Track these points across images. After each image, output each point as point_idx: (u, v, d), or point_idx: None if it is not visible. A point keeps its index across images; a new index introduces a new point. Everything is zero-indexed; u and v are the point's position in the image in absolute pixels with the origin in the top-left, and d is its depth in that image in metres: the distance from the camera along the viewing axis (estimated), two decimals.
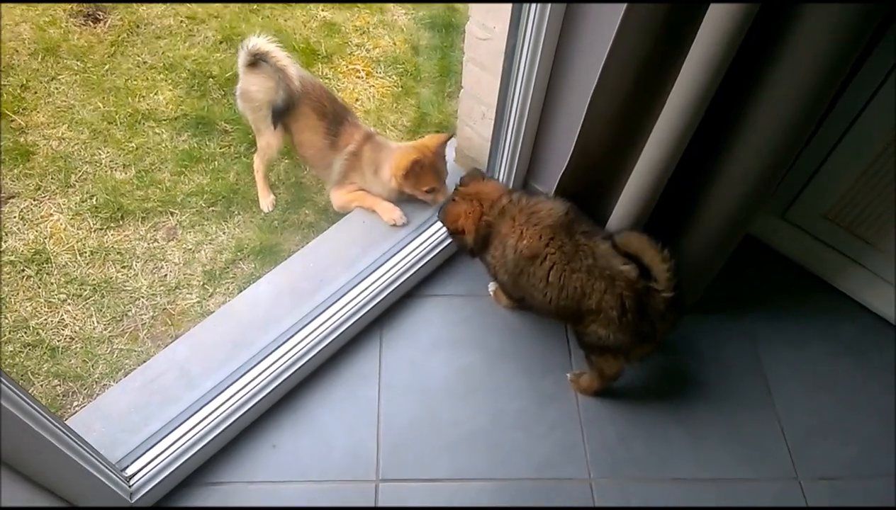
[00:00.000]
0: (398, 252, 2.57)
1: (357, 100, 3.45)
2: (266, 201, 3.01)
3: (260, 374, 2.26)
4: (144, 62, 3.52)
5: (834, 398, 2.44)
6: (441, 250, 2.58)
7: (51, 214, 2.92)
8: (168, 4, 3.76)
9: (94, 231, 2.88)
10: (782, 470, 2.28)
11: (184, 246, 2.87)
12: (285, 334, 2.35)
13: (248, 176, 3.06)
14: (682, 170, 2.02)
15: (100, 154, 3.13)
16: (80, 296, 2.71)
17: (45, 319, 2.64)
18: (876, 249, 2.49)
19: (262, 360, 2.29)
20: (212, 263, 2.83)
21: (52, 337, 2.60)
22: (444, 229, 2.41)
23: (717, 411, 2.39)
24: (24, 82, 3.37)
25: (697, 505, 2.20)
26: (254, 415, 2.27)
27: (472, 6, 2.30)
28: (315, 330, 2.36)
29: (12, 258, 2.77)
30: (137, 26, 3.66)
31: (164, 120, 3.28)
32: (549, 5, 2.03)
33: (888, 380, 2.47)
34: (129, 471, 2.04)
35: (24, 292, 2.70)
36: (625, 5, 1.75)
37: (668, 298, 1.99)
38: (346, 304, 2.42)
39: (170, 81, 3.44)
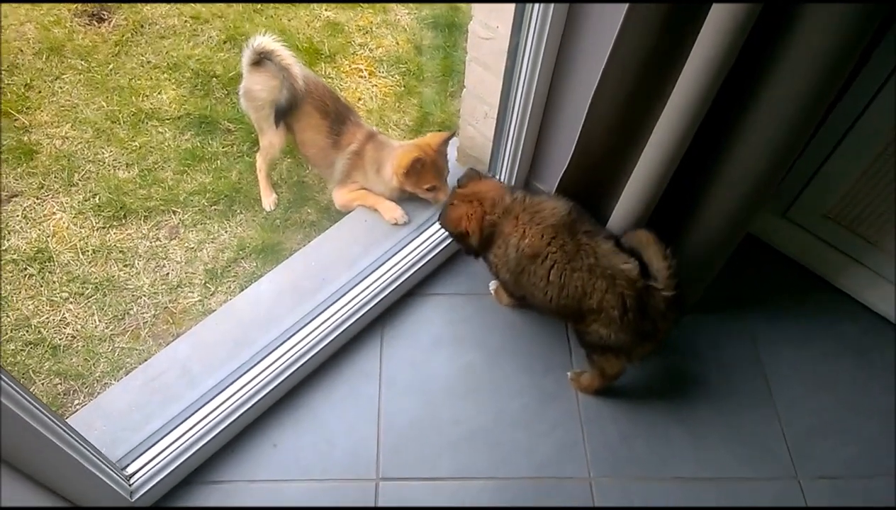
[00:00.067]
0: (400, 251, 2.57)
1: (360, 99, 3.46)
2: (268, 200, 3.01)
3: (261, 373, 2.26)
4: (148, 62, 3.53)
5: (834, 397, 2.43)
6: (442, 249, 2.59)
7: (54, 213, 2.93)
8: (172, 4, 3.77)
9: (97, 229, 2.89)
10: (782, 469, 2.28)
11: (186, 244, 2.88)
12: (287, 333, 2.35)
13: (251, 175, 3.07)
14: (682, 170, 2.02)
15: (103, 153, 3.14)
16: (82, 294, 2.72)
17: (47, 318, 2.65)
18: (877, 248, 2.49)
19: (263, 359, 2.29)
20: (214, 262, 2.84)
21: (54, 335, 2.61)
22: (447, 233, 2.41)
23: (718, 410, 2.39)
24: (29, 81, 3.38)
25: (698, 504, 2.20)
26: (255, 414, 2.27)
27: (475, 6, 2.30)
28: (316, 328, 2.36)
29: (15, 256, 2.78)
30: (142, 26, 3.67)
31: (168, 119, 3.28)
32: (552, 5, 2.03)
33: (889, 380, 2.47)
34: (130, 470, 2.05)
35: (26, 290, 2.71)
36: (626, 5, 1.75)
37: (668, 297, 1.99)
38: (348, 303, 2.42)
39: (173, 81, 3.45)
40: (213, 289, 2.76)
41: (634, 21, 1.78)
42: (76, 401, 2.46)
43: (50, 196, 2.98)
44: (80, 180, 3.04)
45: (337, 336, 2.38)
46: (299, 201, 3.06)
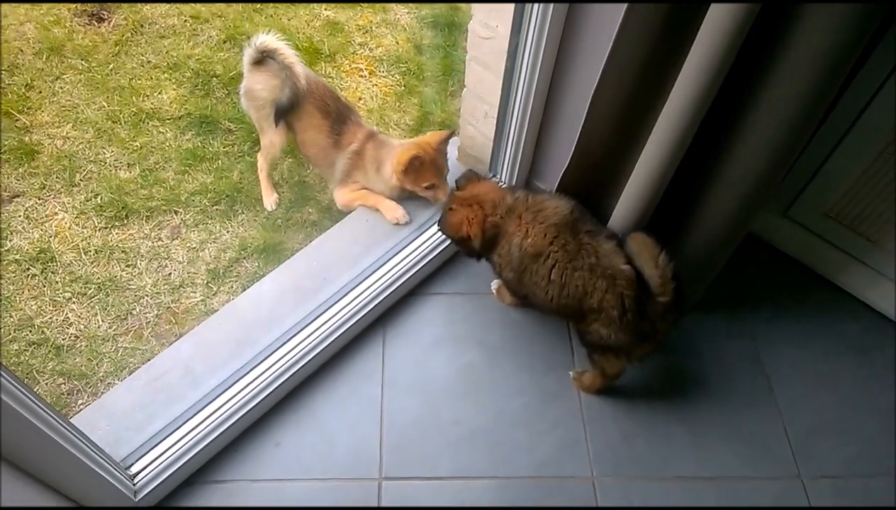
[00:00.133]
0: (401, 250, 2.57)
1: (360, 99, 3.46)
2: (269, 200, 3.02)
3: (263, 373, 2.26)
4: (148, 61, 3.53)
5: (835, 396, 2.44)
6: (444, 248, 2.59)
7: (55, 213, 2.93)
8: (172, 4, 3.77)
9: (99, 230, 2.90)
10: (784, 468, 2.29)
11: (188, 244, 2.89)
12: (289, 332, 2.36)
13: (252, 174, 3.07)
14: (683, 169, 2.02)
15: (104, 153, 3.15)
16: (85, 294, 2.72)
17: (50, 318, 2.66)
18: (878, 247, 2.49)
19: (265, 359, 2.30)
20: (216, 262, 2.84)
21: (57, 335, 2.61)
22: (447, 238, 2.41)
23: (719, 410, 2.40)
24: (29, 81, 3.38)
25: (699, 503, 2.21)
26: (257, 414, 2.27)
27: (475, 5, 2.30)
28: (318, 328, 2.37)
29: (17, 257, 2.79)
30: (142, 26, 3.67)
31: (168, 119, 3.29)
32: (552, 5, 2.03)
33: (889, 379, 2.47)
34: (134, 470, 2.05)
35: (28, 291, 2.72)
36: (626, 5, 1.75)
37: (664, 303, 2.00)
38: (350, 303, 2.43)
39: (174, 81, 3.45)
40: (215, 289, 2.77)
41: (634, 21, 1.79)
42: (80, 401, 2.47)
43: (52, 196, 2.98)
44: (81, 180, 3.04)
45: (339, 335, 2.38)
46: (301, 201, 3.06)
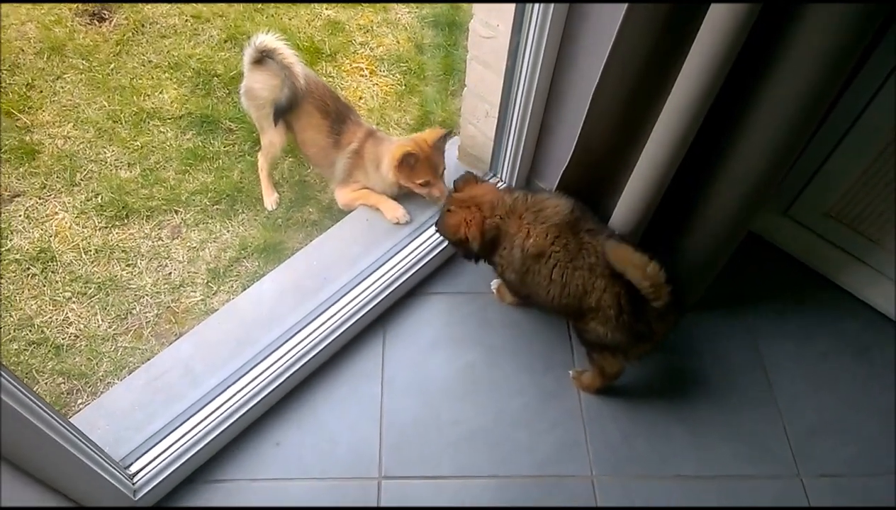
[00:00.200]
0: (401, 250, 2.57)
1: (361, 98, 3.46)
2: (270, 199, 3.02)
3: (263, 372, 2.26)
4: (149, 61, 3.54)
5: (835, 395, 2.44)
6: (444, 248, 2.59)
7: (56, 213, 2.93)
8: (173, 4, 3.77)
9: (99, 229, 2.90)
10: (784, 467, 2.28)
11: (188, 244, 2.89)
12: (289, 332, 2.36)
13: (253, 174, 3.07)
14: (683, 168, 2.02)
15: (105, 153, 3.15)
16: (85, 294, 2.72)
17: (50, 317, 2.66)
18: (878, 246, 2.49)
19: (265, 358, 2.30)
20: (216, 261, 2.84)
21: (57, 335, 2.61)
22: (446, 241, 2.41)
23: (719, 409, 2.40)
24: (30, 81, 3.39)
25: (699, 503, 2.21)
26: (257, 413, 2.27)
27: (476, 4, 2.30)
28: (318, 328, 2.37)
29: (17, 256, 2.79)
30: (143, 25, 3.68)
31: (169, 118, 3.29)
32: (553, 4, 2.03)
33: (889, 378, 2.47)
34: (133, 469, 2.05)
35: (29, 290, 2.72)
36: (626, 5, 1.75)
37: (659, 307, 1.99)
38: (350, 302, 2.43)
39: (174, 80, 3.45)
40: (215, 289, 2.77)
41: (634, 20, 1.79)
42: (79, 401, 2.47)
43: (52, 196, 2.99)
44: (82, 180, 3.05)
45: (339, 335, 2.38)
46: (301, 200, 3.06)
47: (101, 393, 2.44)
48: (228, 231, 2.93)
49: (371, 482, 2.20)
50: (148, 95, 3.38)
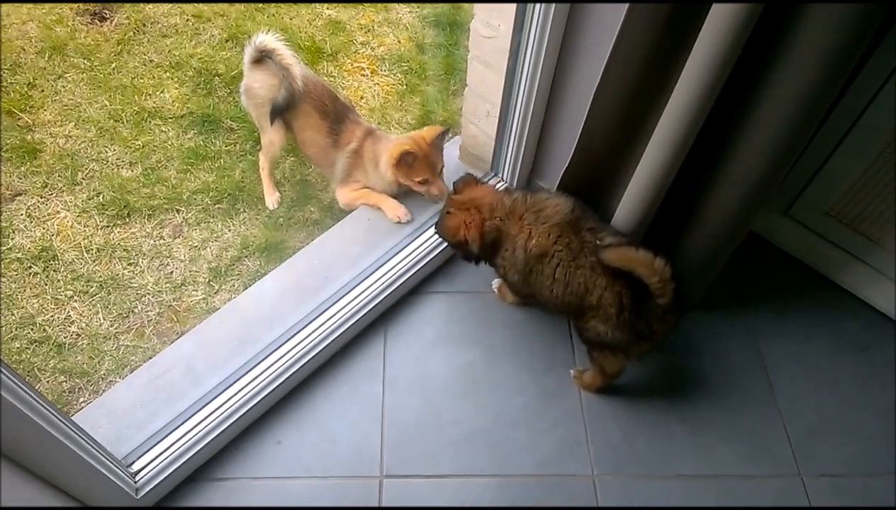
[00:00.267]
0: (402, 249, 2.58)
1: (362, 98, 3.46)
2: (271, 198, 3.02)
3: (265, 371, 2.27)
4: (151, 60, 3.54)
5: (836, 395, 2.44)
6: (445, 247, 2.59)
7: (58, 212, 2.94)
8: (174, 3, 3.77)
9: (101, 228, 2.90)
10: (784, 467, 2.29)
11: (190, 243, 2.89)
12: (290, 331, 2.36)
13: (254, 173, 3.07)
14: (684, 168, 2.02)
15: (106, 152, 3.15)
16: (87, 292, 2.72)
17: (52, 316, 2.66)
18: (878, 246, 2.49)
19: (267, 357, 2.30)
20: (217, 260, 2.85)
21: (59, 333, 2.61)
22: (445, 243, 2.42)
23: (720, 408, 2.40)
24: (32, 80, 3.39)
25: (700, 502, 2.21)
26: (259, 412, 2.28)
27: (477, 4, 2.31)
28: (320, 327, 2.37)
29: (19, 255, 2.79)
30: (144, 25, 3.68)
31: (171, 118, 3.29)
32: (554, 4, 2.03)
33: (889, 378, 2.47)
34: (135, 468, 2.05)
35: (30, 289, 2.72)
36: (627, 5, 1.75)
37: (663, 304, 1.99)
38: (351, 301, 2.43)
39: (176, 79, 3.46)
40: (216, 288, 2.77)
41: (636, 20, 1.79)
42: (81, 399, 2.47)
43: (54, 195, 2.99)
44: (83, 179, 3.05)
45: (340, 334, 2.39)
46: (302, 199, 3.06)
47: (103, 391, 2.45)
48: (230, 230, 2.94)
49: (373, 481, 2.20)
50: (149, 95, 3.38)
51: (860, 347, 2.55)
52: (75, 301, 2.70)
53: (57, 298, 2.70)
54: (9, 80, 3.37)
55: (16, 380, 1.43)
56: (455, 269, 2.66)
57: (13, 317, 2.63)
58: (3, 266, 2.76)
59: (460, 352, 2.48)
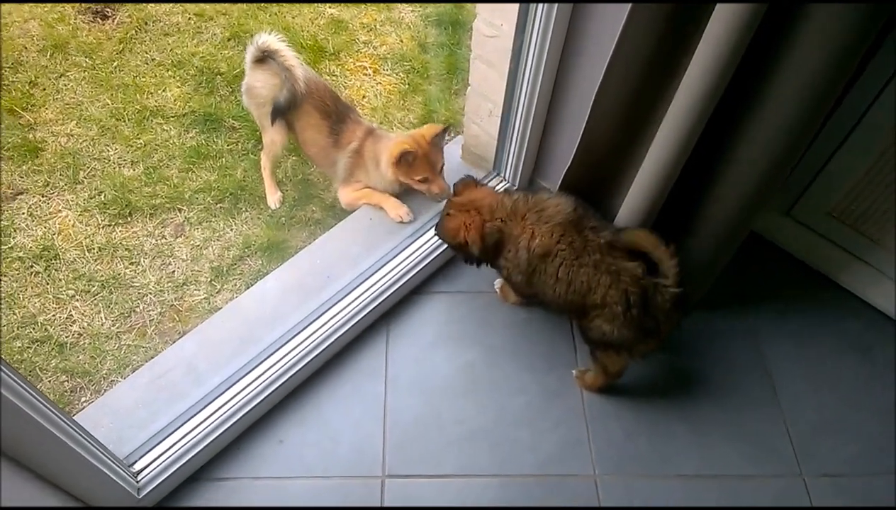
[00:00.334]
0: (404, 249, 2.58)
1: (364, 97, 3.46)
2: (273, 198, 3.02)
3: (267, 370, 2.27)
4: (152, 59, 3.54)
5: (837, 395, 2.44)
6: (446, 247, 2.59)
7: (59, 211, 2.94)
8: (176, 2, 3.77)
9: (103, 227, 2.90)
10: (786, 467, 2.28)
11: (191, 242, 2.89)
12: (292, 330, 2.36)
13: (256, 172, 3.07)
14: (687, 168, 2.02)
15: (108, 151, 3.15)
16: (89, 292, 2.72)
17: (54, 315, 2.66)
18: (880, 246, 2.49)
19: (269, 357, 2.30)
20: (219, 260, 2.85)
21: (61, 333, 2.62)
22: (444, 244, 2.42)
23: (722, 408, 2.40)
24: (33, 79, 3.39)
25: (701, 502, 2.21)
26: (261, 411, 2.28)
27: (480, 4, 2.30)
28: (322, 326, 2.37)
29: (21, 254, 2.79)
30: (146, 23, 3.68)
31: (172, 117, 3.29)
32: (556, 4, 2.03)
33: (890, 378, 2.47)
34: (137, 467, 2.06)
35: (32, 288, 2.72)
36: (630, 5, 1.75)
37: (674, 294, 2.00)
38: (353, 301, 2.43)
39: (178, 78, 3.46)
40: (218, 287, 2.77)
41: (638, 20, 1.79)
42: (83, 399, 2.47)
43: (55, 194, 2.99)
44: (85, 178, 3.05)
45: (342, 333, 2.39)
46: (304, 199, 3.06)
47: (105, 391, 2.45)
48: (232, 229, 2.94)
49: (374, 480, 2.20)
50: (151, 93, 3.38)
51: (862, 347, 2.54)
52: (77, 300, 2.70)
53: (58, 297, 2.70)
54: (10, 79, 3.37)
55: (17, 380, 1.43)
56: (457, 269, 2.66)
57: (15, 317, 2.63)
58: (4, 265, 2.76)
59: (462, 352, 2.48)
